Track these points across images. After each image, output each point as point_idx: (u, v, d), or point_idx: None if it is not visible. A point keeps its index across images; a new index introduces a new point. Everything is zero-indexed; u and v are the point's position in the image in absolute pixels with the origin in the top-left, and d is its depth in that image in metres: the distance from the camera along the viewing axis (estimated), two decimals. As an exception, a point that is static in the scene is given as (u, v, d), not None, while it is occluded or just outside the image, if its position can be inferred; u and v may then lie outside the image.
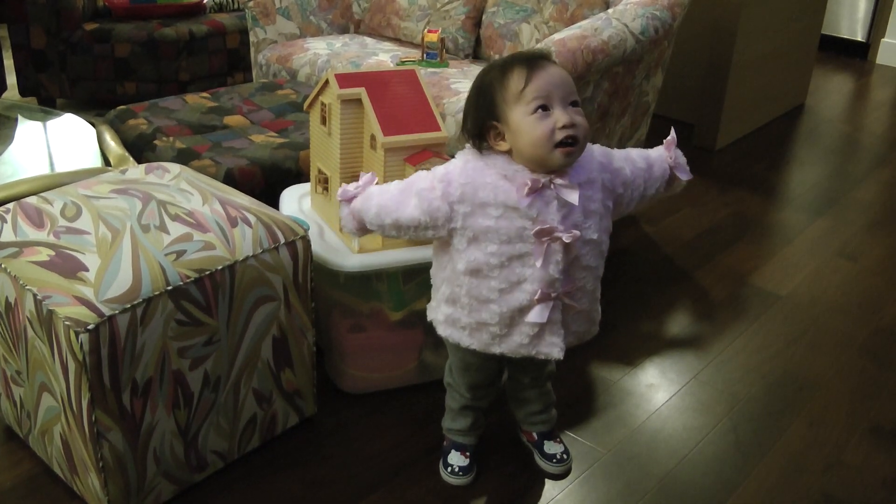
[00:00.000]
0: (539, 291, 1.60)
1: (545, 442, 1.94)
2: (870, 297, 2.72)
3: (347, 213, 1.75)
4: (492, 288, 1.63)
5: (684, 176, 1.76)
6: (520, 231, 1.58)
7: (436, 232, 1.64)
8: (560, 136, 1.52)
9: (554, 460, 1.92)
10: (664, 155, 1.76)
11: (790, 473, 1.97)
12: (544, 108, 1.54)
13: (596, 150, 1.67)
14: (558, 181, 1.56)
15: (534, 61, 1.57)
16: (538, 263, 1.58)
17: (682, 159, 1.77)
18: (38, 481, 1.86)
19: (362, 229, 1.76)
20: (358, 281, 1.99)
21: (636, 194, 1.72)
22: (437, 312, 1.75)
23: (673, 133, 1.78)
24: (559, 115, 1.53)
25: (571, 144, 1.53)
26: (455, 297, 1.69)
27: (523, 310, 1.63)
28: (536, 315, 1.62)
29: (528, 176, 1.56)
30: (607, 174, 1.66)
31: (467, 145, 1.65)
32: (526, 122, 1.54)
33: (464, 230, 1.61)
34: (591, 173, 1.63)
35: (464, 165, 1.61)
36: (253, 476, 1.89)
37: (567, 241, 1.57)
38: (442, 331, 1.75)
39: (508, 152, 1.59)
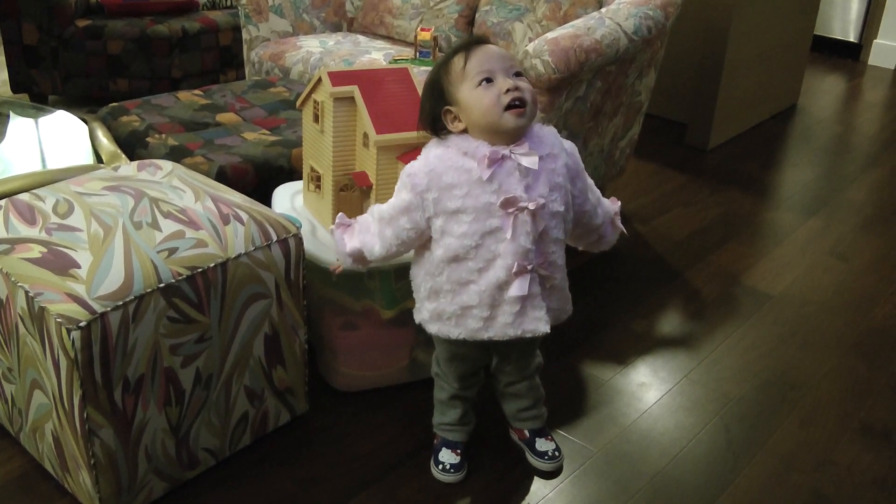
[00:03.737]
0: (515, 265, 1.65)
1: (537, 439, 1.95)
2: (861, 297, 2.72)
3: (347, 256, 1.83)
4: (470, 269, 1.68)
5: (615, 232, 1.89)
6: (487, 206, 1.64)
7: (419, 230, 1.71)
8: (507, 99, 1.61)
9: (546, 457, 1.93)
10: (611, 206, 1.88)
11: (781, 472, 1.98)
12: (488, 80, 1.63)
13: (566, 142, 1.75)
14: (517, 150, 1.64)
15: (470, 44, 1.68)
16: (508, 235, 1.64)
17: (619, 223, 1.89)
18: (29, 478, 1.86)
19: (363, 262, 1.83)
20: (350, 279, 1.99)
21: (579, 209, 1.78)
22: (422, 312, 1.80)
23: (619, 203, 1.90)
24: (502, 82, 1.62)
25: (520, 106, 1.61)
26: (436, 287, 1.73)
27: (502, 286, 1.68)
28: (517, 289, 1.67)
29: (487, 149, 1.63)
30: (571, 161, 1.73)
31: (432, 140, 1.74)
32: (473, 95, 1.63)
33: (436, 216, 1.67)
34: (555, 149, 1.70)
35: (426, 156, 1.69)
36: (244, 474, 1.89)
37: (532, 209, 1.63)
38: (430, 328, 1.79)
39: (465, 131, 1.67)
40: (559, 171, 1.69)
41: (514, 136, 1.64)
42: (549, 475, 1.93)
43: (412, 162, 1.71)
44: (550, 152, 1.68)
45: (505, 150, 1.63)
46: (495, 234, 1.65)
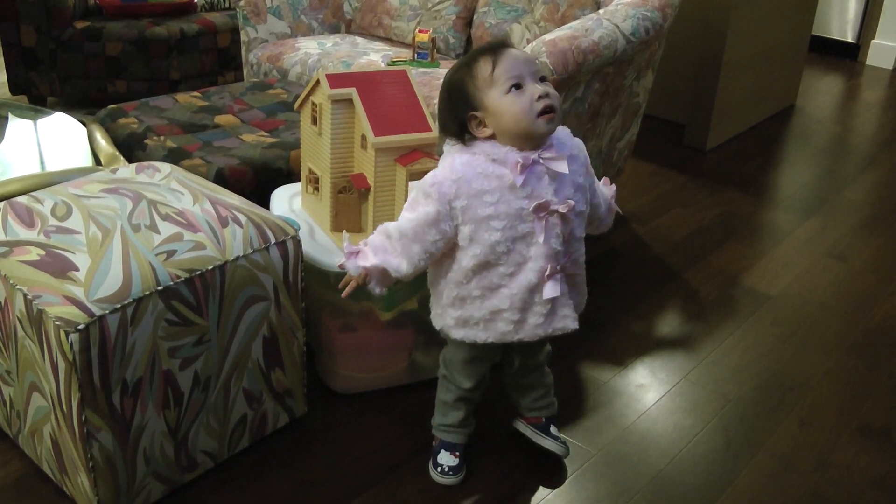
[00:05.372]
0: (548, 267, 1.65)
1: (551, 425, 1.96)
2: (860, 297, 2.72)
3: (372, 281, 1.72)
4: (501, 274, 1.67)
5: (611, 214, 1.89)
6: (519, 212, 1.63)
7: (447, 239, 1.67)
8: (539, 106, 1.60)
9: (559, 440, 1.94)
10: (607, 191, 1.89)
11: (780, 473, 1.98)
12: (517, 85, 1.61)
13: (575, 139, 1.74)
14: (546, 155, 1.63)
15: (495, 48, 1.66)
16: (541, 239, 1.64)
17: (615, 205, 1.89)
18: (28, 481, 1.86)
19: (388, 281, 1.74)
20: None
21: (590, 201, 1.77)
22: (445, 318, 1.77)
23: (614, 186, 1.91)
24: (533, 88, 1.61)
25: (551, 111, 1.61)
26: (463, 295, 1.71)
27: (533, 289, 1.67)
28: (551, 290, 1.67)
29: (518, 155, 1.61)
30: (584, 157, 1.74)
31: (448, 143, 1.70)
32: (504, 101, 1.61)
33: (464, 224, 1.65)
34: (574, 150, 1.70)
35: (451, 163, 1.65)
36: (243, 476, 1.89)
37: (564, 212, 1.64)
38: (455, 334, 1.76)
39: (492, 137, 1.64)
40: (580, 171, 1.70)
41: (542, 141, 1.64)
42: (556, 461, 1.95)
43: (433, 171, 1.67)
44: (572, 154, 1.68)
45: (535, 156, 1.62)
46: (526, 239, 1.65)
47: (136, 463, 1.71)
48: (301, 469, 1.92)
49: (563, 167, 1.63)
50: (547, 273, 1.65)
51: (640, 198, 3.35)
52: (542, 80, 1.64)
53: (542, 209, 1.62)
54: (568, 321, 1.72)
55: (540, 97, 1.59)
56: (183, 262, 1.68)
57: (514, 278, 1.67)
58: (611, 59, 2.54)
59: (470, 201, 1.62)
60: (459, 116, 1.65)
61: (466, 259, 1.67)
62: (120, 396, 1.62)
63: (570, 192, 1.66)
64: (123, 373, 1.61)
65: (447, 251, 1.71)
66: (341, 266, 1.73)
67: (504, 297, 1.68)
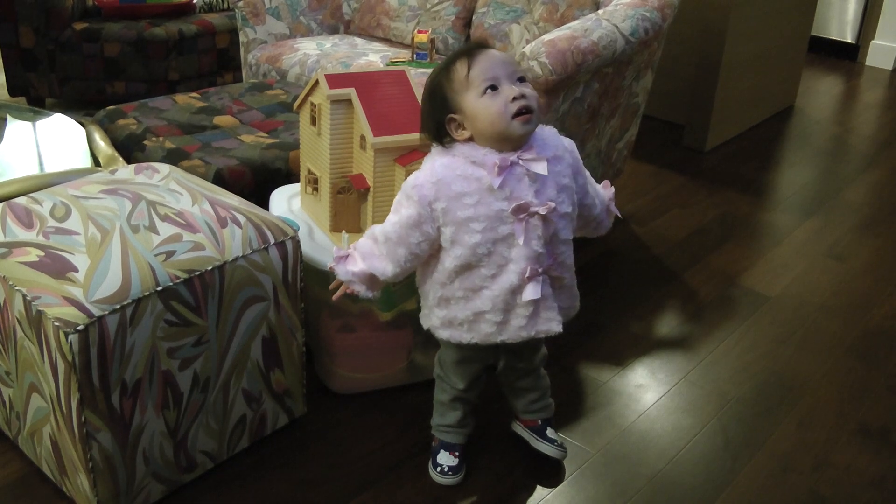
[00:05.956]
0: (528, 269, 1.65)
1: (548, 428, 1.96)
2: (858, 298, 2.73)
3: (358, 283, 1.76)
4: (483, 276, 1.67)
5: (610, 217, 1.88)
6: (499, 213, 1.63)
7: (431, 240, 1.68)
8: (514, 107, 1.59)
9: (556, 444, 1.93)
10: (605, 193, 1.88)
11: (779, 473, 1.98)
12: (493, 87, 1.61)
13: (565, 139, 1.74)
14: (525, 156, 1.62)
15: (472, 50, 1.66)
16: (521, 241, 1.63)
17: (613, 208, 1.88)
18: (28, 482, 1.86)
19: (377, 284, 1.77)
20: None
21: (581, 202, 1.77)
22: (432, 318, 1.78)
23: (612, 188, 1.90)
24: (508, 90, 1.60)
25: (527, 112, 1.60)
26: (447, 296, 1.72)
27: (515, 291, 1.67)
28: (531, 292, 1.66)
29: (496, 156, 1.62)
30: (572, 159, 1.73)
31: (432, 147, 1.71)
32: (479, 104, 1.61)
33: (445, 226, 1.65)
34: (558, 150, 1.69)
35: (431, 166, 1.66)
36: (242, 476, 1.89)
37: (543, 214, 1.63)
38: (441, 334, 1.78)
39: (471, 139, 1.65)
40: (564, 172, 1.69)
41: (521, 143, 1.63)
42: (555, 462, 1.95)
43: (415, 173, 1.68)
44: (555, 154, 1.67)
45: (514, 157, 1.62)
46: (507, 241, 1.64)
47: (135, 463, 1.71)
48: (300, 469, 1.92)
49: (542, 168, 1.62)
50: (527, 275, 1.65)
51: (639, 198, 3.36)
52: (521, 80, 1.63)
53: (522, 210, 1.62)
54: (552, 324, 1.72)
55: (515, 98, 1.59)
56: (182, 262, 1.68)
57: (495, 280, 1.67)
58: (610, 60, 2.54)
59: (449, 203, 1.63)
60: (438, 119, 1.66)
61: (449, 260, 1.68)
62: (119, 397, 1.62)
63: (552, 194, 1.65)
64: (123, 373, 1.61)
65: (433, 252, 1.71)
66: (331, 269, 1.76)
67: (486, 298, 1.68)
